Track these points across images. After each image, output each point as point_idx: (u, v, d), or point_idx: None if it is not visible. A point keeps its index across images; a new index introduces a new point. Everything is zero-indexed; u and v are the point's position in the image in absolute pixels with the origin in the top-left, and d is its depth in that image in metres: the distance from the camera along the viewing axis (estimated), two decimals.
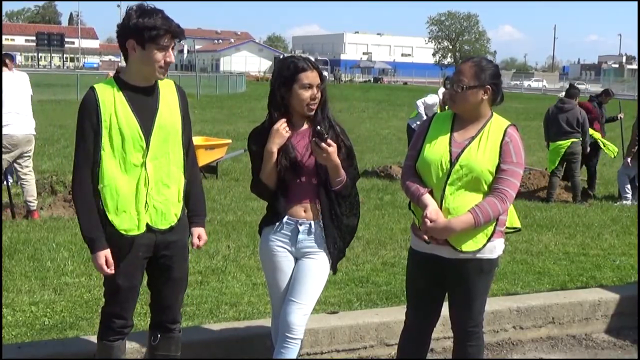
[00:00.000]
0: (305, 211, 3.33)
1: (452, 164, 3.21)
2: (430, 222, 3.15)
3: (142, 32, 2.96)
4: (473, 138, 3.24)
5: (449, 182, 3.21)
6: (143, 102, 3.09)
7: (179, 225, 3.25)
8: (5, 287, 5.05)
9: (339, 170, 3.26)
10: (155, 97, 3.14)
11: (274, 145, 3.26)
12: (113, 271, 3.10)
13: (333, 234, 3.34)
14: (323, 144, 3.15)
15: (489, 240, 3.25)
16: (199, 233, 3.40)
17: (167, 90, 3.21)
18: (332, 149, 3.17)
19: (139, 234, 3.11)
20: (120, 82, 3.09)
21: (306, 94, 3.24)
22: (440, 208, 3.21)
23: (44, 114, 20.85)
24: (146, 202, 3.12)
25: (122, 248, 3.11)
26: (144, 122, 3.07)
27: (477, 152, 3.20)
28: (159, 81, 3.17)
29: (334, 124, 3.35)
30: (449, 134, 3.29)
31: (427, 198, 3.23)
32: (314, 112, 3.30)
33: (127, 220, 3.09)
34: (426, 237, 3.23)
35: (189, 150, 3.31)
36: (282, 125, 3.28)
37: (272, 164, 3.28)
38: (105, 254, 3.07)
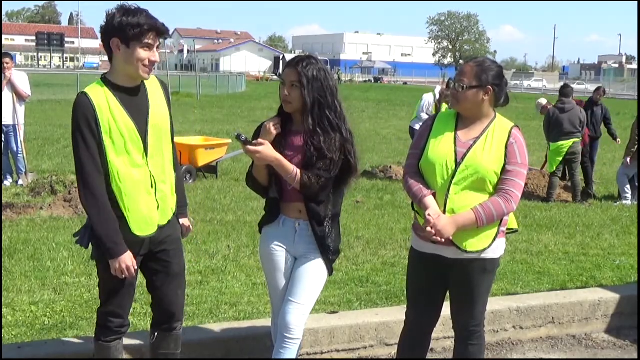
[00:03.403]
0: (300, 211, 3.31)
1: (458, 164, 3.21)
2: (432, 223, 3.15)
3: (126, 29, 2.93)
4: (478, 138, 3.24)
5: (454, 182, 3.20)
6: (134, 103, 3.08)
7: (173, 219, 3.29)
8: (5, 287, 5.05)
9: (284, 167, 3.19)
10: (144, 96, 3.13)
11: None
12: (134, 273, 3.10)
13: (324, 240, 3.30)
14: (249, 147, 3.13)
15: (494, 240, 3.26)
16: (186, 224, 3.47)
17: (153, 88, 3.20)
18: (262, 148, 3.14)
19: (151, 234, 3.13)
20: (108, 83, 3.06)
21: (282, 91, 3.26)
22: (445, 208, 3.21)
23: (44, 114, 20.90)
24: (156, 200, 3.15)
25: (129, 247, 3.10)
26: (139, 123, 3.06)
27: (483, 152, 3.20)
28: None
29: (321, 132, 3.20)
30: (453, 133, 3.29)
31: (430, 200, 3.22)
32: (290, 110, 3.25)
33: (143, 222, 3.10)
34: (431, 237, 3.21)
35: (172, 144, 3.33)
36: (272, 123, 3.28)
37: None
38: (131, 256, 3.06)
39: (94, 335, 3.32)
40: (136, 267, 3.12)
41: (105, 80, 3.07)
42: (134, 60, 2.98)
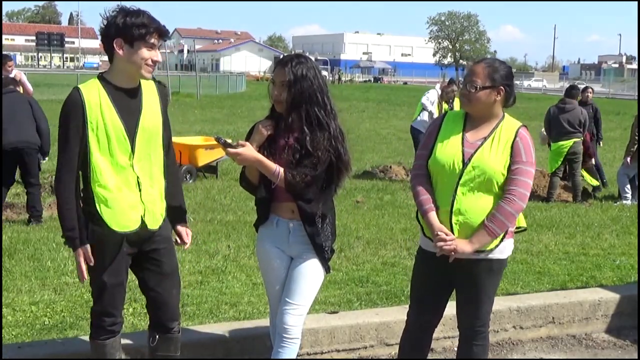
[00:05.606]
0: (293, 211, 3.29)
1: (465, 164, 3.21)
2: (442, 241, 3.18)
3: (131, 30, 2.98)
4: (485, 139, 3.24)
5: (461, 182, 3.21)
6: (127, 103, 3.09)
7: (164, 223, 3.28)
8: (5, 287, 5.05)
9: (266, 167, 3.19)
10: (138, 98, 3.14)
11: (253, 143, 3.25)
12: (88, 267, 3.08)
13: (316, 239, 3.29)
14: (230, 149, 3.13)
15: (501, 240, 3.26)
16: (185, 232, 3.44)
17: (149, 91, 3.21)
18: (242, 149, 3.14)
19: (131, 231, 3.12)
20: (104, 82, 3.09)
21: (272, 90, 3.25)
22: (452, 209, 3.22)
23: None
24: (141, 201, 3.14)
25: (110, 245, 3.11)
26: (128, 124, 3.07)
27: (490, 153, 3.20)
28: (142, 82, 3.17)
29: (309, 130, 3.20)
30: (461, 134, 3.28)
31: (432, 217, 3.24)
32: (281, 109, 3.24)
33: (123, 217, 3.09)
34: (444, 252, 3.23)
35: (169, 150, 3.34)
36: (264, 124, 3.28)
37: None
38: (84, 251, 3.07)
39: (89, 335, 3.32)
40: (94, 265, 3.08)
41: (102, 78, 3.10)
42: (137, 59, 3.01)
